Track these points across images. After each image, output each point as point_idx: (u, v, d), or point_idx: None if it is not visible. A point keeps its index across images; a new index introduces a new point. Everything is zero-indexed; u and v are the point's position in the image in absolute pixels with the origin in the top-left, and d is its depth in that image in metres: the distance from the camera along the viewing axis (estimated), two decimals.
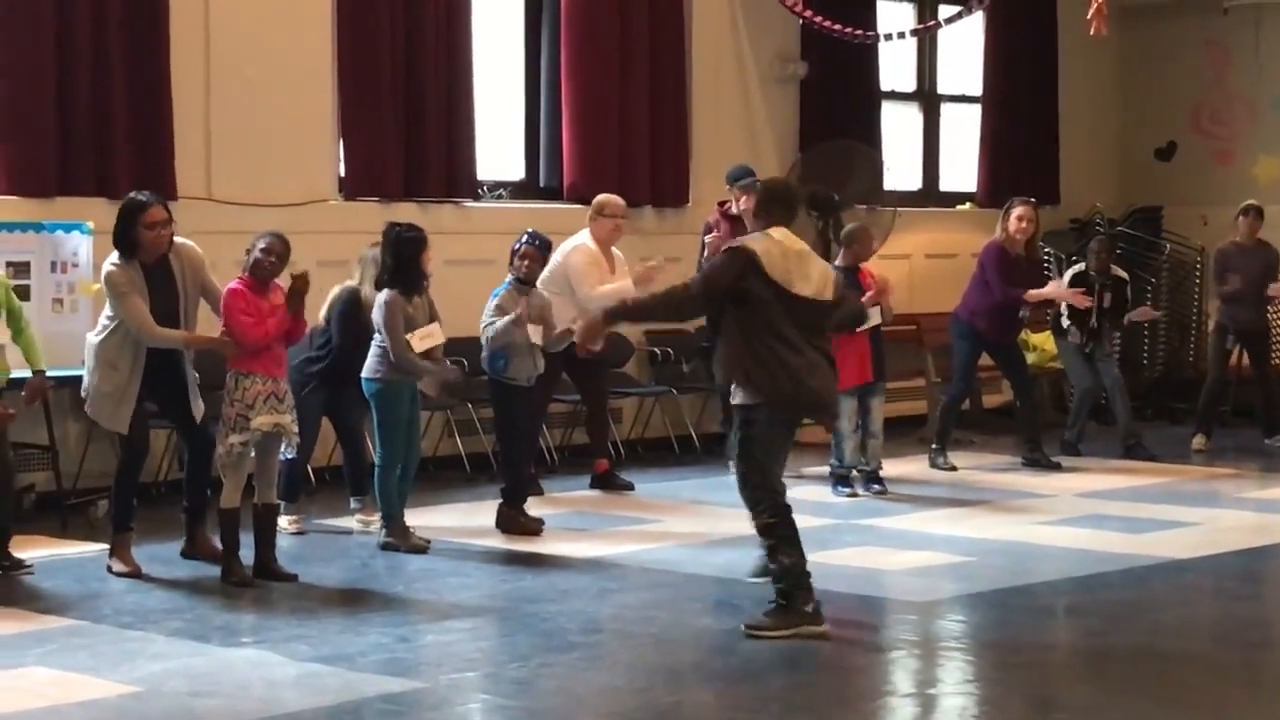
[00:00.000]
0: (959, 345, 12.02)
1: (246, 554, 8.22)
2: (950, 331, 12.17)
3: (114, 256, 8.20)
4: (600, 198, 10.86)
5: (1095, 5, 11.76)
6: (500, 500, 9.57)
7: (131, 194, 8.41)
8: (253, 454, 8.20)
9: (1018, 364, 12.18)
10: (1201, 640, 7.48)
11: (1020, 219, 11.77)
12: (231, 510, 8.17)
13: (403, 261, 8.89)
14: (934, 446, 11.85)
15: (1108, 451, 12.43)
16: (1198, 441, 12.77)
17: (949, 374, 13.82)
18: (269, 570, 8.20)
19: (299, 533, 9.35)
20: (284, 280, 8.29)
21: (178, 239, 8.31)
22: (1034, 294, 11.81)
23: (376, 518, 9.15)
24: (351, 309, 9.24)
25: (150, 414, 8.56)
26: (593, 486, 10.89)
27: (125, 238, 8.16)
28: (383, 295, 8.87)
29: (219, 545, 8.31)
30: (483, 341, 9.47)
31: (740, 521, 9.78)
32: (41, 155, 10.07)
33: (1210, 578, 8.54)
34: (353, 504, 9.53)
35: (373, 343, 8.96)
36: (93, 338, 8.34)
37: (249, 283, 8.15)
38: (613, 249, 10.77)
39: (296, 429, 8.29)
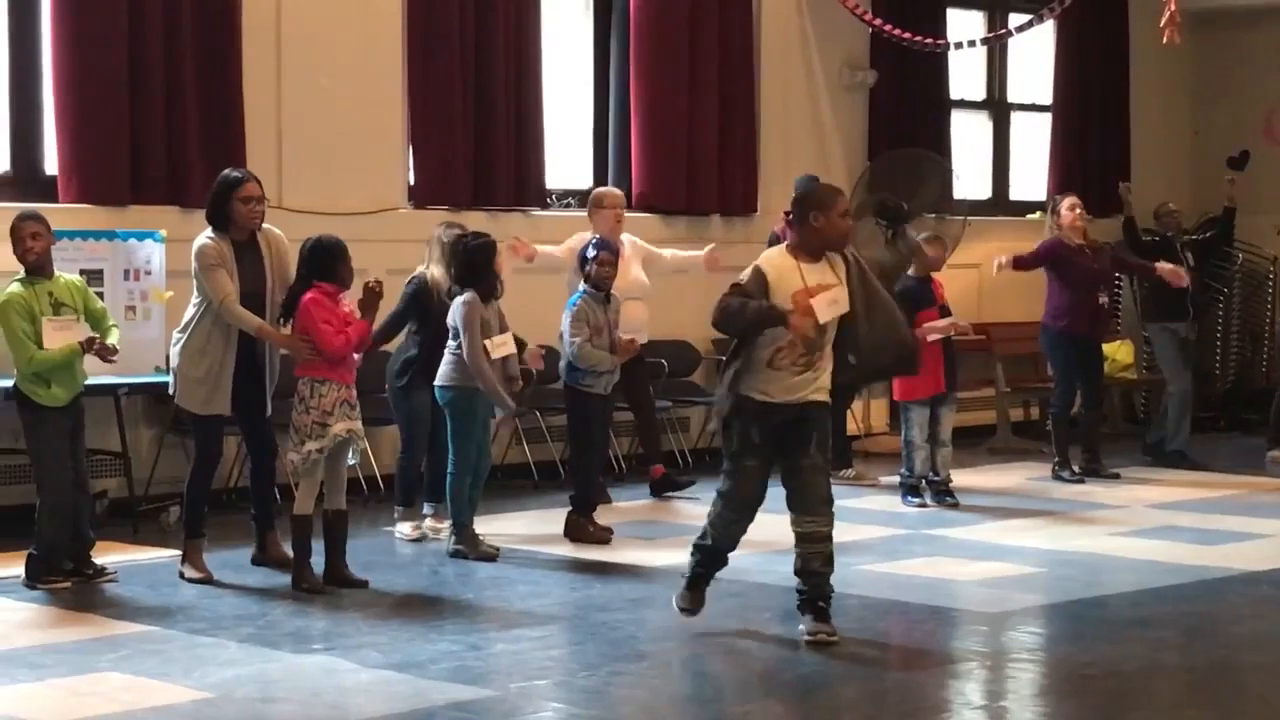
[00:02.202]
0: (1053, 355, 11.98)
1: (317, 560, 8.26)
2: (1041, 343, 12.13)
3: (207, 231, 8.28)
4: (597, 191, 10.85)
5: (1168, 14, 11.67)
6: (569, 508, 9.58)
7: (227, 170, 8.51)
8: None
9: (1096, 370, 12.09)
10: (1276, 653, 7.38)
11: (1072, 208, 11.75)
12: (304, 517, 8.19)
13: (476, 269, 8.92)
14: (1055, 460, 11.78)
15: (1172, 460, 12.37)
16: (1276, 453, 12.62)
17: (1019, 384, 13.83)
18: (341, 577, 8.23)
19: (419, 538, 9.35)
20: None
21: (266, 225, 8.39)
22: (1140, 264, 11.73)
23: (446, 525, 9.17)
24: (421, 293, 9.27)
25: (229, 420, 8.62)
26: (652, 493, 10.86)
27: (219, 212, 8.26)
28: (462, 295, 8.89)
29: (289, 551, 8.34)
30: (569, 355, 9.44)
31: None
32: (115, 164, 10.16)
33: None
34: (425, 509, 9.53)
35: (447, 348, 8.97)
36: (178, 332, 8.37)
37: (326, 290, 8.18)
38: (621, 238, 10.64)
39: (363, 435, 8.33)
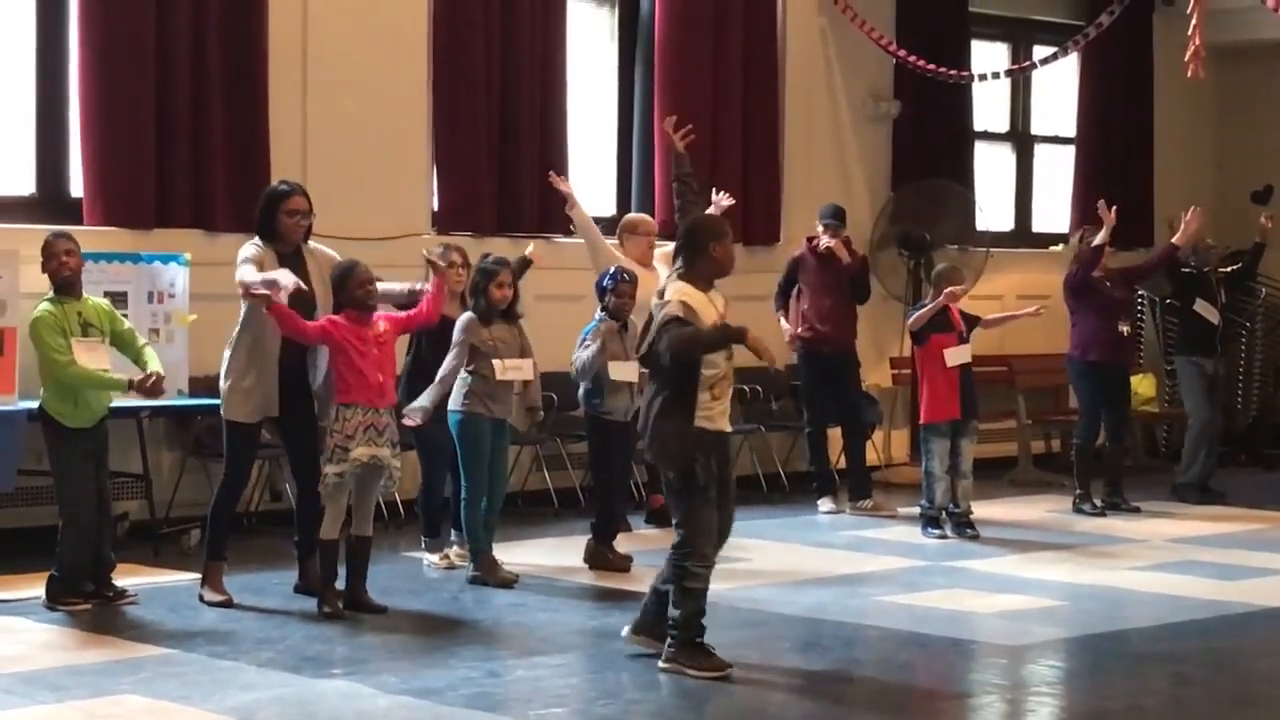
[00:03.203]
0: (1079, 386, 11.97)
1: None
2: (1068, 375, 12.12)
3: (255, 239, 8.33)
4: (631, 216, 10.78)
5: (1193, 47, 11.67)
6: (589, 535, 9.58)
7: (275, 183, 8.60)
8: (352, 485, 8.23)
9: (1123, 402, 12.06)
10: None
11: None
12: (330, 542, 8.21)
13: (475, 291, 9.00)
14: (1077, 492, 11.76)
15: (1200, 496, 12.34)
16: None
17: (1041, 416, 13.81)
18: (360, 602, 8.24)
19: (449, 568, 9.35)
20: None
21: (316, 245, 8.45)
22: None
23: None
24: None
25: (262, 445, 8.63)
26: (648, 522, 10.84)
27: (266, 224, 8.32)
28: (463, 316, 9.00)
29: None
30: (572, 375, 9.48)
31: (830, 561, 9.81)
32: (140, 187, 10.20)
33: None
34: (453, 536, 9.52)
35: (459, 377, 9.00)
36: (227, 349, 8.37)
37: (351, 316, 8.20)
38: (654, 262, 10.60)
39: (398, 463, 8.32)
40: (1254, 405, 14.90)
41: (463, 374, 8.96)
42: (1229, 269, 12.78)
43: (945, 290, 10.53)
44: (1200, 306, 12.30)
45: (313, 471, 8.52)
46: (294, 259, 8.32)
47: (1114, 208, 11.52)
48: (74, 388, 8.16)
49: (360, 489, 8.24)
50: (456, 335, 8.93)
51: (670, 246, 10.12)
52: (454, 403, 8.99)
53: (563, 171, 11.88)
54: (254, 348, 8.25)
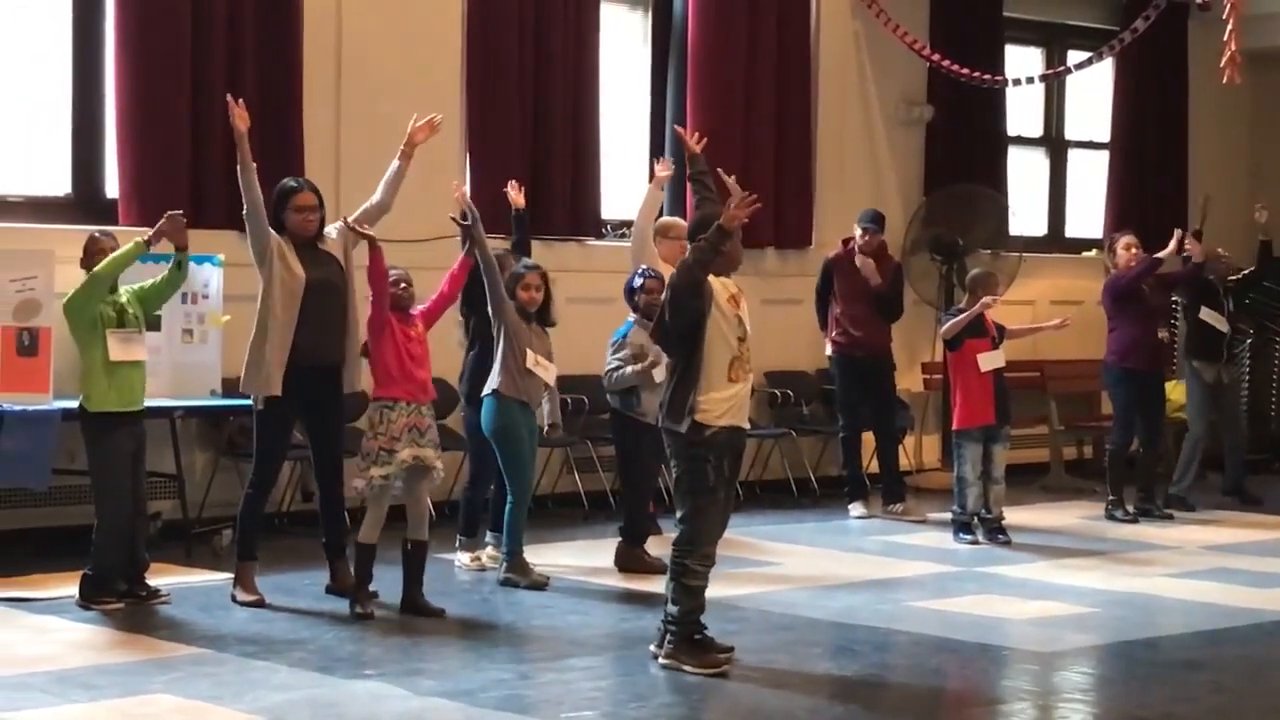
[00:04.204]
0: (1115, 392, 11.94)
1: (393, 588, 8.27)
2: (1105, 382, 12.09)
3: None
4: (665, 219, 10.64)
5: (1229, 53, 11.63)
6: (619, 538, 9.57)
7: (286, 178, 8.63)
8: (398, 487, 8.23)
9: (1158, 409, 12.02)
10: None
11: (1128, 247, 11.72)
12: (368, 545, 8.21)
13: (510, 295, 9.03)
14: (1110, 499, 11.73)
15: (1223, 503, 12.30)
16: None
17: (1073, 422, 13.77)
18: (418, 606, 8.24)
19: (480, 569, 9.36)
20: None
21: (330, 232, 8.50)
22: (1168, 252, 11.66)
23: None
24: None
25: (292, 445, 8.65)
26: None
27: (276, 219, 8.37)
28: None
29: None
30: (606, 383, 9.45)
31: (861, 566, 9.79)
32: (175, 188, 10.23)
33: None
34: (488, 537, 9.53)
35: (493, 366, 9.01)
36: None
37: (393, 314, 8.25)
38: None
39: (440, 464, 8.33)
40: None
41: (494, 362, 8.93)
42: (1237, 277, 12.71)
43: (981, 299, 10.50)
44: (1207, 315, 12.27)
45: (336, 471, 8.54)
46: (309, 249, 8.34)
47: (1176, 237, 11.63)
48: (96, 318, 8.15)
49: (410, 493, 8.25)
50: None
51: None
52: (487, 390, 8.97)
53: (596, 174, 11.93)
54: (267, 326, 8.26)
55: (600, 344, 9.58)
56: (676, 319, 7.17)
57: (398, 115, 10.99)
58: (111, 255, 8.29)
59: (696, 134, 8.17)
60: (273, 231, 8.32)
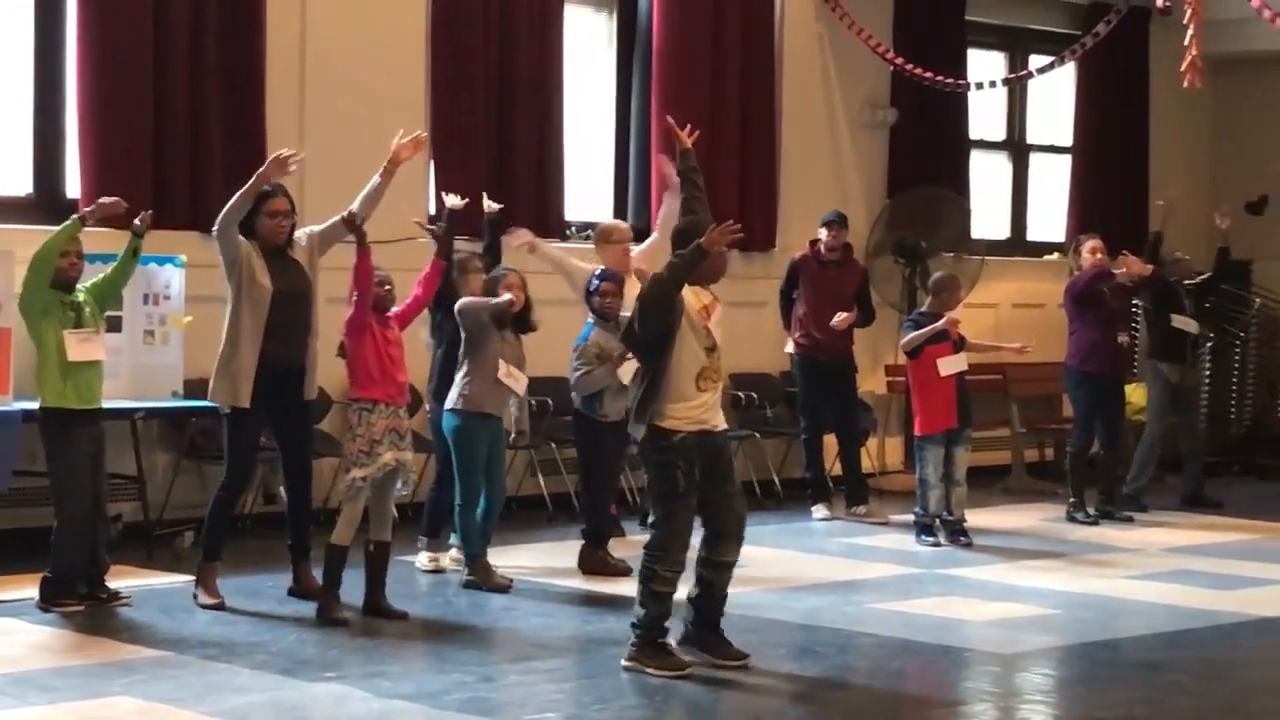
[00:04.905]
0: (1075, 395, 11.97)
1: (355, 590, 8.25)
2: (1065, 385, 12.13)
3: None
4: (604, 225, 10.51)
5: (1189, 58, 11.69)
6: (583, 540, 9.57)
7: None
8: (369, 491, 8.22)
9: (1117, 412, 12.06)
10: None
11: (1094, 251, 11.74)
12: (340, 548, 8.17)
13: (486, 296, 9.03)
14: (1071, 501, 11.78)
15: (1185, 507, 12.37)
16: None
17: (1034, 424, 13.82)
18: (380, 609, 8.22)
19: (437, 570, 9.35)
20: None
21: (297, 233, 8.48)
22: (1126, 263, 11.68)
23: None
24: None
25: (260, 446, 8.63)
26: (643, 524, 10.78)
27: (247, 224, 8.33)
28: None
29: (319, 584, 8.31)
30: (574, 389, 9.43)
31: (824, 568, 9.82)
32: (136, 188, 10.14)
33: None
34: (452, 540, 9.52)
35: (456, 375, 9.01)
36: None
37: (372, 316, 8.24)
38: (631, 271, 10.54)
39: (414, 466, 8.33)
40: (1248, 415, 14.92)
41: (460, 374, 8.95)
42: (1196, 280, 12.77)
43: (946, 316, 10.52)
44: (1179, 321, 12.35)
45: (305, 475, 8.53)
46: (278, 256, 8.32)
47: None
48: (48, 316, 8.12)
49: (378, 494, 8.24)
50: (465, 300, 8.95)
51: (642, 247, 10.23)
52: (450, 402, 8.99)
53: (559, 176, 11.92)
54: (236, 334, 8.24)
55: (565, 346, 9.57)
56: (645, 330, 7.19)
57: (362, 116, 11.04)
58: (54, 235, 8.19)
59: (689, 127, 8.06)
60: (242, 239, 8.28)
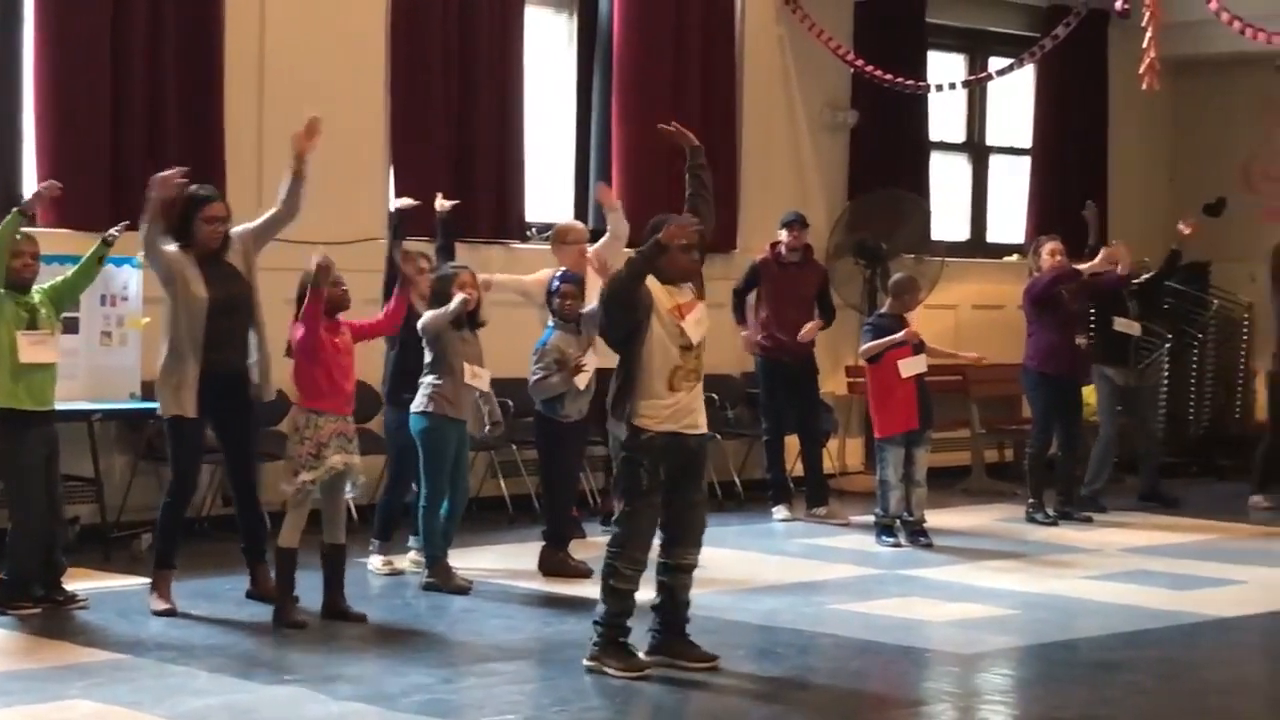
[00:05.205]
0: (1034, 396, 12.02)
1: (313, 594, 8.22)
2: (1023, 385, 12.16)
3: (173, 245, 8.28)
4: (561, 226, 10.47)
5: (1148, 60, 11.74)
6: (542, 542, 9.55)
7: (194, 186, 8.48)
8: (317, 494, 8.18)
9: (1076, 413, 12.10)
10: (1251, 700, 7.41)
11: (1053, 253, 11.77)
12: (289, 550, 8.13)
13: (439, 299, 9.01)
14: (1030, 501, 11.81)
15: (1138, 504, 12.42)
16: (1258, 499, 12.66)
17: (994, 425, 13.86)
18: (339, 611, 8.19)
19: (391, 573, 9.32)
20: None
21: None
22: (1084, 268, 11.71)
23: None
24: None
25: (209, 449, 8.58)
26: (604, 525, 10.73)
27: (183, 229, 8.26)
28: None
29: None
30: (533, 392, 9.41)
31: (785, 569, 9.82)
32: (94, 190, 10.14)
33: (1258, 636, 8.47)
34: (411, 542, 9.49)
35: (422, 380, 8.99)
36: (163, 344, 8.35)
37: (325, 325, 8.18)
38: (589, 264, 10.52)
39: (361, 468, 8.30)
40: (1205, 416, 14.98)
41: (427, 378, 8.95)
42: (1139, 280, 12.82)
43: (905, 330, 10.51)
44: (1121, 324, 12.39)
45: (251, 476, 8.49)
46: (214, 263, 8.26)
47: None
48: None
49: (329, 497, 8.20)
50: (426, 314, 8.92)
51: (596, 246, 10.20)
52: (417, 405, 8.97)
53: (520, 177, 11.90)
54: (177, 345, 8.20)
55: (524, 347, 9.56)
56: (610, 328, 7.22)
57: (320, 117, 10.97)
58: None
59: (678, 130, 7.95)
60: (172, 251, 8.22)
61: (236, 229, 8.48)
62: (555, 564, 9.43)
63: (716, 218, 7.86)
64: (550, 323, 9.46)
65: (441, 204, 9.77)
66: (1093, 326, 13.48)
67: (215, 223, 8.27)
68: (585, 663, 7.23)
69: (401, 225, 9.40)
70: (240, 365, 8.34)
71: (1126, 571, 9.96)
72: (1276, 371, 12.88)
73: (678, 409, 7.19)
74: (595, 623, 7.27)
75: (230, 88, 10.65)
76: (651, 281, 7.21)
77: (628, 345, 7.19)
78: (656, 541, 7.35)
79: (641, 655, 7.27)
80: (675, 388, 7.18)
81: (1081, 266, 11.76)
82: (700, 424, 7.29)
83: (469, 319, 9.03)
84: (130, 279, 9.95)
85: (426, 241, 10.68)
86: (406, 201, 9.59)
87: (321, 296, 8.05)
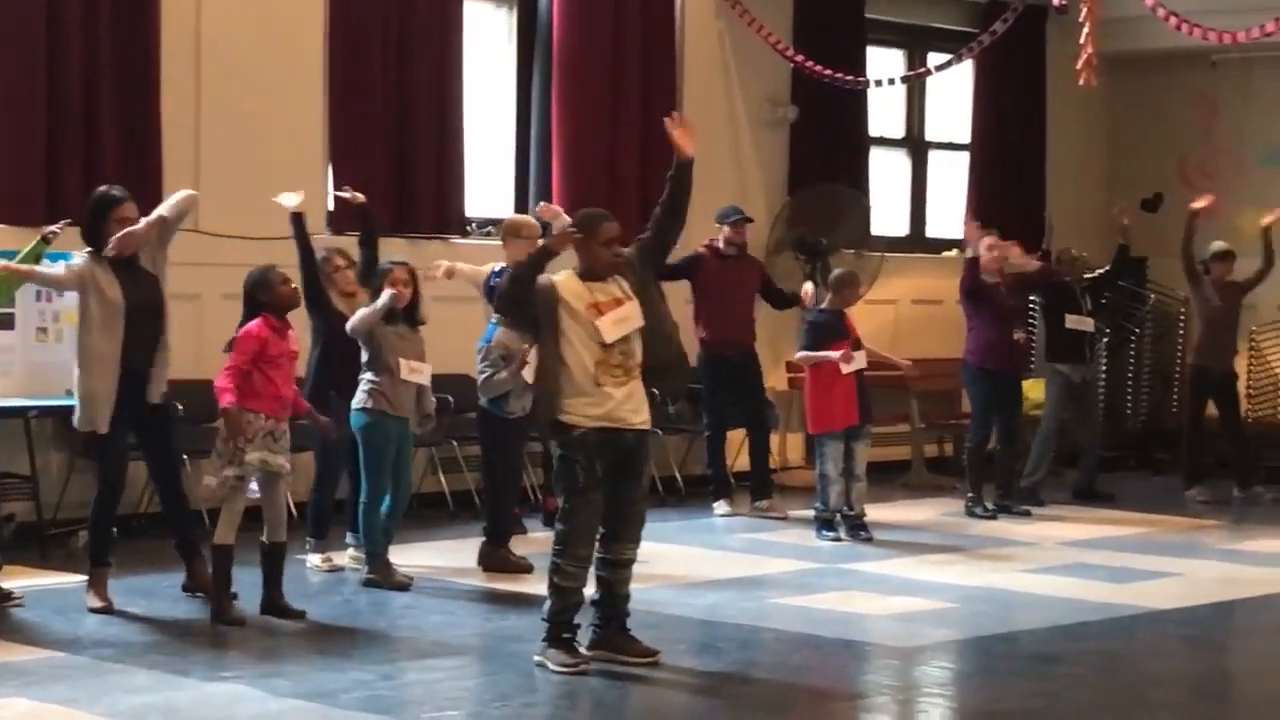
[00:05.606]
0: (972, 392, 12.08)
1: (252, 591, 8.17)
2: (963, 380, 12.22)
3: (84, 252, 8.19)
4: (514, 219, 10.30)
5: (1085, 56, 11.81)
6: (483, 538, 9.53)
7: (102, 188, 8.40)
8: (254, 491, 8.12)
9: (1015, 407, 12.17)
10: (1183, 692, 7.46)
11: (990, 248, 11.82)
12: (224, 547, 8.08)
13: (375, 292, 8.97)
14: (969, 495, 11.86)
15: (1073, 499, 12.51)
16: (1193, 492, 12.77)
17: (934, 420, 13.92)
18: (278, 608, 8.14)
19: (333, 570, 9.28)
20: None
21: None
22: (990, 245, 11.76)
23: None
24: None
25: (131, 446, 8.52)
26: (545, 524, 10.60)
27: (94, 231, 8.16)
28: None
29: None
30: (481, 391, 9.38)
31: (726, 564, 9.83)
32: (30, 186, 10.06)
33: (1192, 629, 8.52)
34: (349, 539, 9.46)
35: (362, 376, 8.95)
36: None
37: (271, 323, 8.12)
38: None
39: (290, 467, 8.25)
40: (1143, 410, 15.08)
41: (366, 375, 8.92)
42: (1091, 277, 12.91)
43: (840, 353, 10.50)
44: (1073, 321, 12.48)
45: (174, 473, 8.45)
46: (126, 267, 8.16)
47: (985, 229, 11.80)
48: None
49: (267, 496, 8.16)
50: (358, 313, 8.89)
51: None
52: (357, 402, 8.94)
53: (460, 172, 11.87)
54: (86, 362, 8.12)
55: (465, 342, 9.53)
56: (514, 326, 7.31)
57: (258, 112, 10.94)
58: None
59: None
60: (81, 258, 8.14)
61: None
62: (496, 560, 9.41)
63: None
64: (492, 319, 9.43)
65: (354, 196, 9.72)
66: (1032, 321, 13.59)
67: (127, 224, 8.15)
68: (535, 658, 7.22)
69: (301, 229, 9.30)
70: (149, 366, 8.25)
71: (1065, 565, 10.02)
72: (1195, 366, 13.01)
73: (611, 404, 7.17)
74: (542, 619, 7.26)
75: (167, 81, 10.57)
76: (569, 278, 7.22)
77: (545, 341, 7.18)
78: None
79: (583, 649, 7.26)
80: (602, 383, 7.16)
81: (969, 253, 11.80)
82: (637, 420, 7.26)
83: (406, 315, 8.99)
84: None
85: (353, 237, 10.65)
86: (354, 195, 9.60)
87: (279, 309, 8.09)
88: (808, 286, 11.50)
